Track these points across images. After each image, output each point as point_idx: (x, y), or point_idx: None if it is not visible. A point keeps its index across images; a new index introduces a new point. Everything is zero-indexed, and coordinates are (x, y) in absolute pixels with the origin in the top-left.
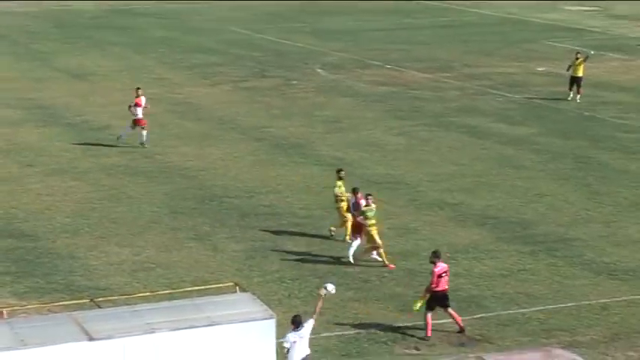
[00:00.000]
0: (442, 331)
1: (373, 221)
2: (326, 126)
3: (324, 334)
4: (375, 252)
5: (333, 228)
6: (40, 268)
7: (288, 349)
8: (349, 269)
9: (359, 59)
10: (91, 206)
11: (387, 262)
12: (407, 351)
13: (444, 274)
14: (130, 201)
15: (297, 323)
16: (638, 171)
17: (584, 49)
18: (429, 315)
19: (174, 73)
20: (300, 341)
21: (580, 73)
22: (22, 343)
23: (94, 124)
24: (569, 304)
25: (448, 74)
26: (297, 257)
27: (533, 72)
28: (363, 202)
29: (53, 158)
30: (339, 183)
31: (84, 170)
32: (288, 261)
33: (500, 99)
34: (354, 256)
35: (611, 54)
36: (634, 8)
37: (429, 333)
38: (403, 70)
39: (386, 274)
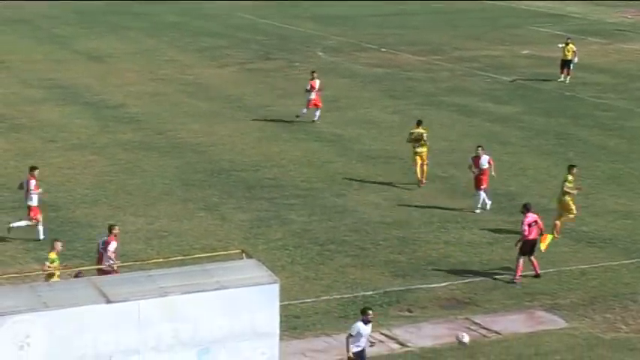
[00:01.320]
0: (433, 294)
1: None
2: (326, 105)
3: (324, 298)
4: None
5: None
6: (62, 235)
7: (352, 335)
8: (347, 238)
9: (356, 43)
10: (108, 179)
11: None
12: (400, 313)
13: (533, 224)
14: (144, 174)
15: (365, 319)
16: (615, 147)
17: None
18: (521, 260)
19: (185, 56)
20: (363, 336)
21: (570, 57)
22: (45, 305)
23: (110, 102)
24: (551, 270)
25: (439, 57)
26: (299, 226)
27: (518, 55)
28: (485, 158)
29: (73, 134)
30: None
31: (101, 145)
32: (290, 230)
33: (488, 80)
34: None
35: (590, 38)
36: None
37: (518, 277)
38: (397, 53)
39: (381, 242)
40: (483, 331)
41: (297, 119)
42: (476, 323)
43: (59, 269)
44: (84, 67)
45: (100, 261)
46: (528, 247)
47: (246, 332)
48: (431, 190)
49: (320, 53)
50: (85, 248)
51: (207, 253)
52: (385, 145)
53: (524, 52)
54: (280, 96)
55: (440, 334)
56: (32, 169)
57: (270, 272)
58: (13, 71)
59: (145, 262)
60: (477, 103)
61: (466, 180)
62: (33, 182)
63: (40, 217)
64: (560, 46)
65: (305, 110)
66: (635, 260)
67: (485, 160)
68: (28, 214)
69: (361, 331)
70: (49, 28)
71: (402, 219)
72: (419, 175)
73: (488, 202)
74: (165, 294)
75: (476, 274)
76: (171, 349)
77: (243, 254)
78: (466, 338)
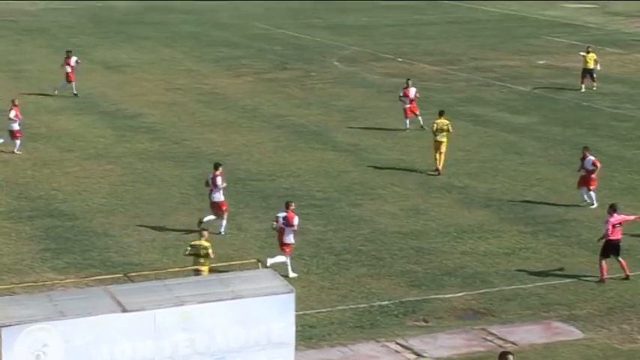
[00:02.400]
0: (449, 304)
1: None
2: (342, 114)
3: (340, 308)
4: None
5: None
6: (78, 245)
7: None
8: (363, 247)
9: (372, 53)
10: (124, 188)
11: None
12: (416, 323)
13: (618, 225)
14: (161, 184)
15: None
16: (632, 157)
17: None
18: (603, 262)
19: (201, 65)
20: None
21: (591, 66)
22: (61, 314)
23: (127, 112)
24: (568, 281)
25: (455, 67)
26: (315, 236)
27: (534, 65)
28: (590, 159)
29: (90, 144)
30: None
31: (118, 155)
32: (306, 239)
33: (504, 90)
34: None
35: (607, 48)
36: (629, 6)
37: (603, 278)
38: (413, 62)
39: (397, 252)
40: (499, 342)
41: (406, 131)
42: (492, 334)
43: (209, 259)
44: (101, 77)
45: (281, 236)
46: (610, 249)
47: (262, 342)
48: (447, 200)
49: (336, 63)
50: (101, 257)
51: (223, 262)
52: (401, 155)
53: (541, 62)
54: (296, 106)
55: (456, 345)
56: (217, 166)
57: (285, 282)
58: (30, 81)
59: (161, 272)
60: (494, 113)
61: (483, 190)
62: (219, 179)
63: (226, 210)
64: (582, 54)
65: (407, 121)
66: None
67: (589, 161)
68: (215, 209)
69: None
70: (66, 37)
71: (418, 229)
72: (437, 164)
73: (594, 203)
74: (181, 303)
75: (492, 284)
76: (187, 358)
77: (259, 264)
78: None
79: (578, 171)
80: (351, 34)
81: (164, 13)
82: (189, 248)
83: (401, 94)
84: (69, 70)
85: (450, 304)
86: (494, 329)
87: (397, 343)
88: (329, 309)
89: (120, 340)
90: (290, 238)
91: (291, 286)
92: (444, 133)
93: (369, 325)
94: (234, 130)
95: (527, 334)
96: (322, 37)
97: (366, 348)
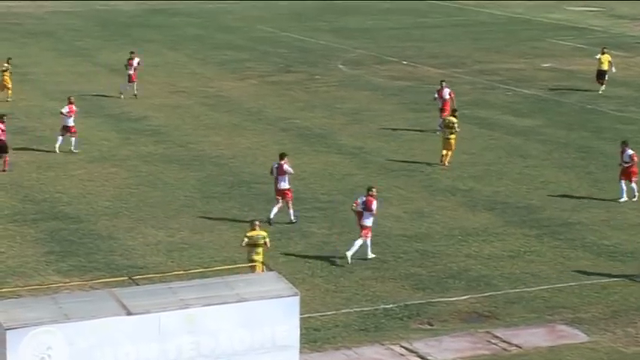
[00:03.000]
0: (453, 307)
1: None
2: (346, 117)
3: (344, 311)
4: None
5: None
6: (82, 248)
7: None
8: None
9: (377, 56)
10: (129, 191)
11: None
12: (421, 326)
13: None
14: (166, 187)
15: None
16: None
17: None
18: None
19: (206, 68)
20: None
21: (606, 67)
22: (66, 317)
23: (131, 115)
24: (572, 284)
25: (460, 70)
26: (320, 239)
27: (539, 68)
28: (628, 153)
29: (94, 146)
30: None
31: (123, 158)
32: (311, 242)
33: (509, 93)
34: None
35: (612, 51)
36: (634, 9)
37: None
38: (418, 65)
39: (401, 255)
40: (504, 345)
41: (437, 133)
42: (496, 337)
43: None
44: (106, 80)
45: (359, 219)
46: None
47: (267, 345)
48: (452, 203)
49: (341, 66)
50: (106, 260)
51: (227, 265)
52: (406, 158)
53: (546, 65)
54: (301, 108)
55: (460, 348)
56: (282, 156)
57: (290, 285)
58: (35, 84)
59: (166, 275)
60: (498, 116)
61: (488, 193)
62: (286, 166)
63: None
64: (597, 57)
65: (440, 120)
66: None
67: (627, 155)
68: (280, 196)
69: None
70: (71, 40)
71: (423, 232)
72: (444, 158)
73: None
74: (185, 306)
75: (497, 287)
76: None
77: (264, 267)
78: None
79: (620, 165)
80: (356, 37)
81: (169, 16)
82: (246, 239)
83: (435, 95)
84: (131, 71)
85: (455, 307)
86: (498, 332)
87: (402, 346)
88: (333, 312)
89: (124, 343)
90: (369, 222)
91: (295, 289)
92: (450, 131)
93: (373, 328)
94: (239, 133)
95: (531, 337)
96: (327, 40)
97: (370, 351)
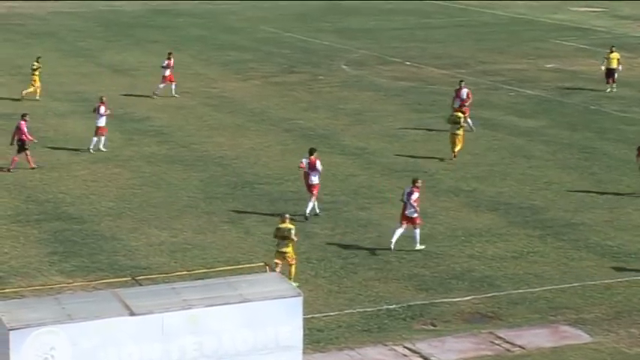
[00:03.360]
0: (456, 308)
1: None
2: (350, 118)
3: (347, 311)
4: None
5: None
6: (86, 248)
7: None
8: (370, 251)
9: (380, 56)
10: (132, 192)
11: None
12: (424, 327)
13: None
14: (169, 187)
15: None
16: None
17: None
18: None
19: (210, 69)
20: None
21: (614, 65)
22: (69, 317)
23: (135, 115)
24: (575, 284)
25: (463, 70)
26: (323, 240)
27: (542, 68)
28: None
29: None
30: None
31: (126, 158)
32: (314, 243)
33: (512, 93)
34: None
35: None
36: (637, 9)
37: None
38: (421, 66)
39: (404, 256)
40: (507, 346)
41: (474, 131)
42: (500, 337)
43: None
44: (109, 80)
45: (404, 210)
46: None
47: (270, 345)
48: (455, 203)
49: (344, 66)
50: (109, 261)
51: (230, 266)
52: (409, 159)
53: (549, 65)
54: (304, 109)
55: (464, 349)
56: (312, 151)
57: (293, 285)
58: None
59: (169, 275)
60: (502, 117)
61: (491, 193)
62: (318, 162)
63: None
64: (605, 58)
65: (470, 121)
66: None
67: None
68: (310, 190)
69: None
70: (74, 41)
71: (426, 233)
72: (454, 150)
73: None
74: (189, 307)
75: (500, 288)
76: None
77: (267, 267)
78: None
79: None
80: (359, 38)
81: (172, 16)
82: (276, 231)
83: (454, 95)
84: (168, 72)
85: (458, 308)
86: (501, 333)
87: (405, 347)
88: (337, 312)
89: (127, 343)
90: (411, 213)
91: (298, 290)
92: (457, 126)
93: (376, 329)
94: (242, 134)
95: (534, 338)
96: (330, 41)
97: (373, 352)
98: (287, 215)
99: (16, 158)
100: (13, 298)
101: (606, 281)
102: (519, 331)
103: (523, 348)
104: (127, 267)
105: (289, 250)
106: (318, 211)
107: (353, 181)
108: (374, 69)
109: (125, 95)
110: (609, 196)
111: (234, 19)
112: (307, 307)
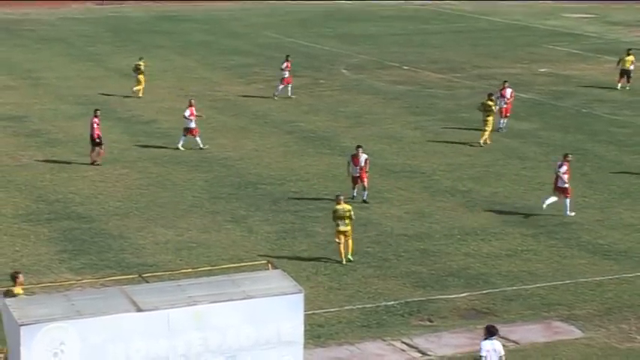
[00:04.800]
0: (452, 304)
1: None
2: (349, 121)
3: (347, 308)
4: None
5: None
6: (94, 246)
7: (483, 357)
8: (369, 249)
9: (379, 61)
10: (139, 192)
11: None
12: (421, 323)
13: None
14: (174, 187)
15: (491, 333)
16: (630, 162)
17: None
18: None
19: (214, 73)
20: (493, 354)
21: (628, 66)
22: (78, 313)
23: (142, 118)
24: (568, 282)
25: (459, 74)
26: (324, 238)
27: (536, 73)
28: None
29: (106, 149)
30: None
31: (133, 159)
32: (315, 242)
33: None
34: None
35: (606, 57)
36: (628, 15)
37: None
38: (419, 70)
39: (402, 254)
40: (502, 341)
41: (501, 131)
42: None
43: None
44: (117, 84)
45: (556, 182)
46: None
47: (272, 340)
48: (451, 203)
49: (344, 71)
50: (116, 259)
51: (234, 263)
52: (407, 160)
53: (542, 69)
54: (305, 112)
55: (460, 343)
56: (359, 147)
57: (295, 282)
58: (49, 88)
59: (175, 273)
60: (496, 120)
61: (486, 193)
62: (361, 157)
63: None
64: (619, 58)
65: (502, 121)
66: None
67: None
68: (354, 183)
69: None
70: (83, 46)
71: (423, 231)
72: (485, 138)
73: None
74: (194, 303)
75: (495, 285)
76: (200, 356)
77: (269, 265)
78: None
79: None
80: (359, 43)
81: (177, 22)
82: (334, 213)
83: (498, 95)
84: (286, 74)
85: (454, 304)
86: None
87: (403, 342)
88: (337, 309)
89: (135, 339)
90: (562, 184)
91: (300, 287)
92: (487, 113)
93: (375, 325)
94: (245, 136)
95: (528, 333)
96: (331, 46)
97: (372, 346)
98: (341, 197)
99: (93, 154)
100: (24, 295)
101: (597, 278)
102: (513, 326)
103: (517, 343)
104: (134, 265)
105: (349, 228)
106: (366, 197)
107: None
108: (373, 73)
109: (132, 98)
110: (600, 196)
111: (238, 25)
112: (308, 303)
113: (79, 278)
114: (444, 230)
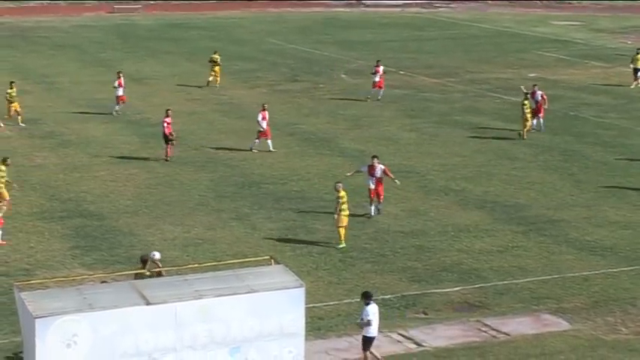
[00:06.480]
0: (446, 298)
1: None
2: (348, 123)
3: (346, 301)
4: None
5: None
6: (105, 243)
7: (370, 321)
8: (367, 245)
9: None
10: (148, 191)
11: None
12: (416, 315)
13: None
14: (182, 187)
15: (368, 297)
16: (615, 162)
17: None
18: None
19: (219, 78)
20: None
21: (639, 65)
22: (90, 306)
23: (151, 120)
24: (556, 276)
25: (453, 79)
26: (323, 235)
27: (525, 77)
28: None
29: (116, 150)
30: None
31: (142, 160)
32: (315, 238)
33: (498, 100)
34: None
35: (593, 62)
36: (613, 23)
37: None
38: (414, 75)
39: (399, 250)
40: (493, 333)
41: (536, 131)
42: (486, 325)
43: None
44: (127, 88)
45: None
46: None
47: (275, 332)
48: (445, 202)
49: (343, 75)
50: (127, 254)
51: (238, 259)
52: (403, 161)
53: (532, 74)
54: (306, 115)
55: (453, 335)
56: (373, 158)
57: (296, 277)
58: (62, 92)
59: (182, 268)
60: (488, 122)
61: (478, 192)
62: (378, 168)
63: None
64: (632, 58)
65: (534, 122)
66: (635, 267)
67: None
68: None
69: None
70: (95, 52)
71: (419, 229)
72: (524, 129)
73: None
74: (200, 297)
75: (486, 279)
76: (206, 347)
77: (272, 260)
78: None
79: None
80: (357, 49)
81: (184, 29)
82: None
83: (529, 96)
84: (377, 78)
85: (448, 298)
86: (488, 321)
87: (399, 334)
88: (336, 302)
89: (144, 331)
90: None
91: (301, 281)
92: (524, 109)
93: None
94: (249, 137)
95: (518, 326)
96: (330, 52)
97: None
98: (340, 185)
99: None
100: (39, 289)
101: (584, 273)
102: (504, 319)
103: (508, 335)
104: None
105: (346, 214)
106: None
107: (352, 181)
108: (371, 78)
109: (141, 102)
110: (587, 195)
111: (242, 32)
112: (309, 297)
113: (91, 273)
114: (439, 227)
